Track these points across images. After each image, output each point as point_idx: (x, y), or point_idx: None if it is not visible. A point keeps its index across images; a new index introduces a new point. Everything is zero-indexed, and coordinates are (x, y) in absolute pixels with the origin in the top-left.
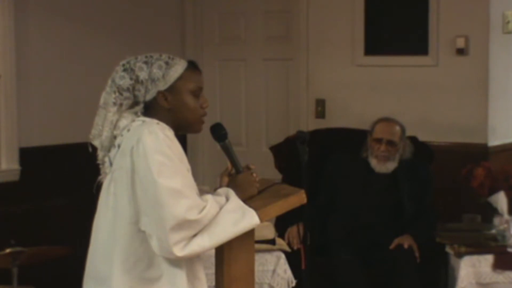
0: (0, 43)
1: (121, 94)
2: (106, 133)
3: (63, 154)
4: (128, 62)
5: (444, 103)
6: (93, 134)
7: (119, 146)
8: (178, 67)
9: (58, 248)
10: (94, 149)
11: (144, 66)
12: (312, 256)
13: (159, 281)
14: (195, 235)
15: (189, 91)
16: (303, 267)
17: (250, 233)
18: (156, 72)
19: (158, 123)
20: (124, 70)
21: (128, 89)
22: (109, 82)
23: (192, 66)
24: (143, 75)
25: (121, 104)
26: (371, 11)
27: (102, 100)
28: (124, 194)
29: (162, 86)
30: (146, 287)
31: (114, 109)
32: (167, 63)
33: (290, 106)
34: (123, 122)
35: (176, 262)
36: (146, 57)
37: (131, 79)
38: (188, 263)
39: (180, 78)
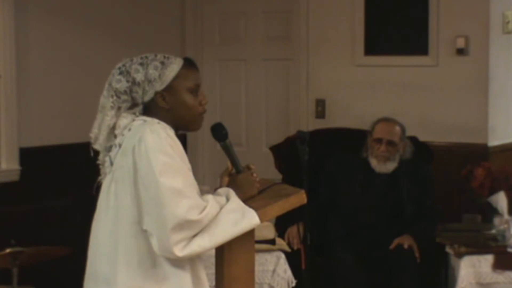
0: (0, 43)
1: (118, 97)
2: (102, 137)
3: (63, 154)
4: (123, 65)
5: (444, 103)
6: (92, 139)
7: (119, 145)
8: (174, 66)
9: (58, 248)
10: (96, 152)
11: (139, 67)
12: (312, 256)
13: (164, 281)
14: (195, 235)
15: (187, 89)
16: (303, 267)
17: (250, 233)
18: (152, 72)
19: (159, 123)
20: (120, 73)
21: (125, 92)
22: (106, 86)
23: (188, 64)
24: (139, 76)
25: (119, 108)
26: (371, 11)
27: (100, 104)
28: (126, 193)
29: (159, 86)
30: (152, 286)
31: (112, 112)
32: (162, 63)
33: (290, 106)
34: (123, 122)
35: (179, 261)
36: (141, 58)
37: (127, 81)
38: (190, 263)
39: (176, 77)
